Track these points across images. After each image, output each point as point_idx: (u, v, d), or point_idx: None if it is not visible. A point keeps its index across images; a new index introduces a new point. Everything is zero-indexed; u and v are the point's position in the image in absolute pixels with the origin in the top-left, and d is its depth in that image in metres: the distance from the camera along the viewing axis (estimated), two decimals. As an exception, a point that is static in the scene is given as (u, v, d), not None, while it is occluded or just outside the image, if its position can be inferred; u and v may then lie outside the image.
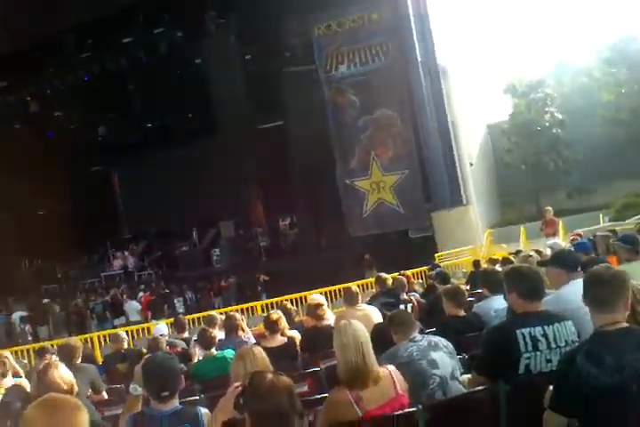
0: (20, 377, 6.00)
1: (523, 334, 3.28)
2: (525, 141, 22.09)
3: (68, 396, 2.38)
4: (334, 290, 12.39)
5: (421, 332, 4.53)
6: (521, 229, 16.47)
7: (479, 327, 4.96)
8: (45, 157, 27.86)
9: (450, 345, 3.92)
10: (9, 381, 5.27)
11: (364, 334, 3.44)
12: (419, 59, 17.97)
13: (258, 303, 13.60)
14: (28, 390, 5.24)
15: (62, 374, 4.03)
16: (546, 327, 3.32)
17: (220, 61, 21.73)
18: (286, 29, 20.60)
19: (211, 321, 7.75)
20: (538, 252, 7.45)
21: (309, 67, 20.45)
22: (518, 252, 9.18)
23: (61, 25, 21.98)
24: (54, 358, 6.98)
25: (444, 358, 3.79)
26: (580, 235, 9.62)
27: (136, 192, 30.45)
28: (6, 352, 7.04)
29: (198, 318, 11.97)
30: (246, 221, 24.71)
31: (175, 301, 17.49)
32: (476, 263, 9.59)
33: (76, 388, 4.10)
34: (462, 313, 5.21)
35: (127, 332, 10.34)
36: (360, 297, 6.61)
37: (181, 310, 17.15)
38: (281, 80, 21.23)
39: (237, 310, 11.53)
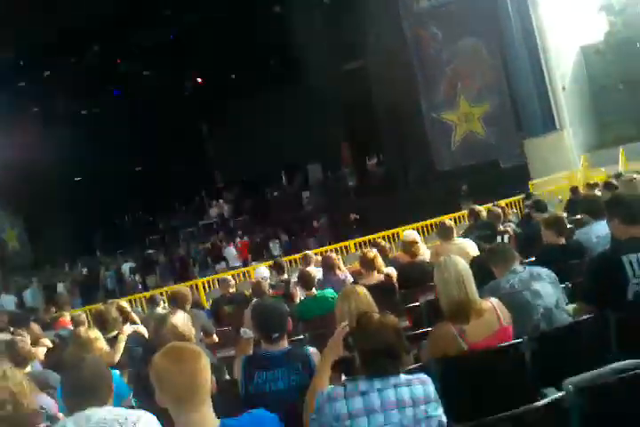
0: (138, 324, 6.38)
1: (630, 260, 3.19)
2: (623, 60, 20.71)
3: (190, 344, 2.53)
4: (427, 225, 12.33)
5: (521, 262, 4.45)
6: (619, 150, 15.61)
7: (581, 254, 4.83)
8: (138, 115, 28.89)
9: (552, 275, 3.84)
10: (129, 328, 5.61)
11: (465, 268, 3.42)
12: (505, -20, 16.98)
13: (351, 242, 13.69)
14: (146, 336, 5.59)
15: (180, 322, 4.25)
16: None
17: (299, 5, 21.44)
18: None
19: (306, 260, 7.99)
20: (641, 173, 7.07)
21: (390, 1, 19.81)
22: (619, 175, 8.71)
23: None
24: (166, 306, 7.41)
25: (546, 287, 3.72)
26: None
27: (225, 141, 31.05)
28: (122, 302, 7.53)
29: (295, 260, 12.27)
30: (333, 163, 24.75)
31: (271, 244, 17.95)
32: (574, 190, 9.20)
33: (193, 335, 4.31)
34: (563, 241, 5.06)
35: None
36: (455, 231, 6.54)
37: (277, 253, 17.63)
38: (362, 17, 20.70)
39: (332, 250, 11.73)
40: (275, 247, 17.83)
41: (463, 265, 3.45)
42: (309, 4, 21.28)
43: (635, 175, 5.98)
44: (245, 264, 16.56)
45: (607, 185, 7.15)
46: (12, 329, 7.21)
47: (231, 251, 17.61)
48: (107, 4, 22.65)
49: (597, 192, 7.44)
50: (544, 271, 3.83)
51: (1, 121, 25.81)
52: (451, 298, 3.34)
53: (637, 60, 20.28)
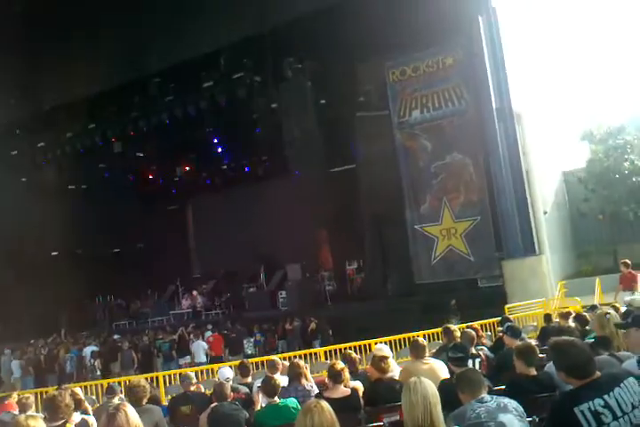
0: (89, 414, 6.11)
1: (582, 411, 3.12)
2: (603, 190, 21.42)
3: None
4: (400, 339, 12.17)
5: (490, 390, 4.38)
6: (596, 281, 15.81)
7: (551, 388, 4.76)
8: (124, 197, 29.14)
9: (520, 408, 3.76)
10: (78, 416, 5.37)
11: (435, 394, 3.38)
12: (493, 104, 17.76)
13: (321, 349, 13.45)
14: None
15: (130, 418, 4.07)
16: (606, 397, 3.15)
17: (295, 106, 22.23)
18: (361, 75, 20.94)
19: (273, 366, 7.77)
20: (615, 308, 7.11)
21: (382, 112, 20.64)
22: (594, 307, 8.78)
23: (146, 69, 23.20)
24: (122, 397, 7.13)
25: (513, 421, 3.64)
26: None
27: (208, 232, 31.19)
28: (77, 388, 7.24)
29: (262, 362, 11.95)
30: (313, 265, 24.76)
31: (245, 341, 17.54)
32: (548, 318, 9.23)
33: (142, 432, 4.14)
34: (534, 372, 5.01)
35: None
36: (427, 350, 6.49)
37: (251, 351, 17.19)
38: (354, 124, 21.50)
39: (301, 356, 11.47)
40: (249, 346, 17.40)
41: (432, 390, 3.40)
42: (306, 103, 22.05)
43: (609, 310, 6.02)
44: (217, 360, 16.12)
45: (578, 317, 7.20)
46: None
47: (201, 344, 17.14)
48: (109, 82, 23.51)
49: (571, 323, 7.46)
50: (512, 404, 3.75)
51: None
52: (415, 423, 3.26)
53: (616, 191, 21.00)
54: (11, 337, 24.31)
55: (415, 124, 19.96)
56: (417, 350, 6.33)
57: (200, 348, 16.96)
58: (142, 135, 25.41)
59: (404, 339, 11.90)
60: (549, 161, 20.80)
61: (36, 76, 24.75)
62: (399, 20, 17.75)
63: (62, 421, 5.10)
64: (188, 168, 30.87)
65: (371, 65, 20.45)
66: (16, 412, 6.75)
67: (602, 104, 24.65)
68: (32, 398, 6.70)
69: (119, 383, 9.14)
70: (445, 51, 19.46)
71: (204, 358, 16.65)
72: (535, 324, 11.88)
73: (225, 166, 29.55)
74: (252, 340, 17.65)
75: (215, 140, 28.41)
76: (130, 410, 4.18)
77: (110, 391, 7.65)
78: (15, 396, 7.46)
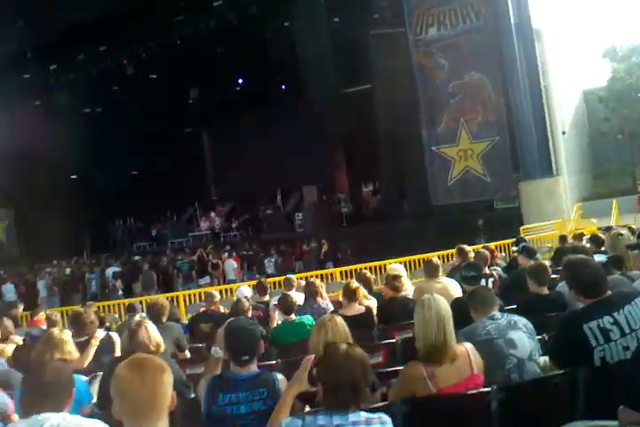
0: (112, 330, 6.33)
1: (590, 328, 3.18)
2: (624, 109, 20.91)
3: (155, 357, 2.50)
4: (415, 260, 12.31)
5: (501, 308, 4.45)
6: (613, 203, 15.73)
7: (562, 307, 4.83)
8: (139, 119, 28.96)
9: (530, 325, 3.83)
10: (102, 333, 5.57)
11: (447, 310, 3.42)
12: (512, 21, 17.18)
13: (337, 269, 13.68)
14: (118, 343, 5.56)
15: (151, 333, 4.22)
16: (615, 314, 3.20)
17: (308, 24, 21.57)
18: (375, -9, 20.20)
19: (288, 284, 7.99)
20: (630, 229, 7.11)
21: (398, 29, 20.00)
22: (609, 228, 8.78)
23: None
24: (143, 315, 7.37)
25: (522, 338, 3.71)
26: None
27: (224, 154, 31.14)
28: (94, 307, 7.48)
29: (279, 282, 12.21)
30: (329, 187, 24.81)
31: (266, 261, 17.90)
32: (563, 239, 9.25)
33: (162, 347, 4.30)
34: (545, 291, 5.08)
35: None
36: (440, 269, 6.57)
37: (271, 271, 17.56)
38: (369, 43, 20.86)
39: (317, 276, 11.69)
40: (269, 265, 17.78)
41: (445, 306, 3.44)
42: (320, 21, 21.37)
43: (622, 231, 6.01)
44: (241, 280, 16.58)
45: (593, 238, 7.21)
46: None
47: (232, 263, 17.53)
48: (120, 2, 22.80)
49: (585, 243, 7.48)
50: (522, 321, 3.82)
51: (2, 111, 25.99)
52: (428, 339, 3.32)
53: (637, 110, 20.51)
54: (35, 258, 25.06)
55: (432, 42, 19.39)
56: (430, 270, 6.41)
57: (230, 267, 17.35)
58: (153, 57, 24.90)
59: (419, 260, 12.04)
60: (569, 79, 20.24)
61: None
62: None
63: (87, 336, 5.34)
64: (201, 90, 30.47)
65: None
66: (44, 327, 7.02)
67: (624, 21, 23.67)
68: (59, 315, 6.96)
69: (140, 302, 9.44)
70: (462, -35, 18.58)
71: (233, 276, 17.07)
72: (550, 245, 11.93)
73: (239, 87, 29.08)
74: (272, 260, 17.99)
75: (228, 61, 27.78)
76: (150, 326, 4.33)
77: (131, 309, 7.93)
78: (43, 313, 7.74)
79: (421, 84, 19.74)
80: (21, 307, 9.06)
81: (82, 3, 23.07)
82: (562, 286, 5.20)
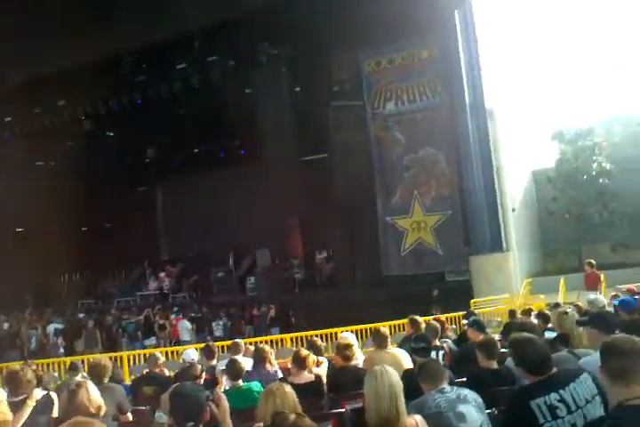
0: (49, 389, 6.07)
1: (538, 404, 3.20)
2: (571, 190, 21.72)
3: (96, 421, 2.44)
4: (365, 328, 12.26)
5: (451, 381, 4.47)
6: (561, 280, 16.11)
7: (511, 381, 4.87)
8: (93, 175, 28.76)
9: (479, 399, 3.86)
10: (39, 392, 5.34)
11: (399, 384, 3.41)
12: (467, 99, 17.90)
13: (287, 336, 13.51)
14: (56, 403, 5.32)
15: (92, 395, 4.09)
16: (562, 392, 3.24)
17: (269, 92, 22.09)
18: (336, 64, 20.88)
19: (236, 348, 7.86)
20: (577, 307, 7.28)
21: (357, 102, 20.64)
22: (557, 305, 8.97)
23: (119, 47, 22.77)
24: (84, 375, 7.10)
25: (472, 412, 3.73)
26: (632, 290, 9.31)
27: (177, 215, 30.94)
28: (34, 365, 7.18)
29: (227, 346, 11.95)
30: (283, 252, 24.78)
31: (214, 324, 17.60)
32: (512, 313, 9.38)
33: (103, 410, 4.16)
34: (495, 366, 5.12)
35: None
36: (389, 339, 6.56)
37: (218, 334, 17.25)
38: (328, 113, 21.43)
39: (267, 341, 11.51)
40: (218, 328, 17.46)
41: (396, 379, 3.44)
42: (280, 90, 21.90)
43: (568, 309, 6.17)
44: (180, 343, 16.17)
45: (540, 315, 7.35)
46: None
47: (186, 324, 17.15)
48: (80, 59, 23.00)
49: (533, 319, 7.61)
50: (472, 395, 3.84)
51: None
52: (380, 412, 3.29)
53: (584, 192, 21.32)
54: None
55: (389, 116, 20.05)
56: (380, 340, 6.41)
57: (184, 327, 16.97)
58: (113, 114, 25.02)
59: (370, 329, 12.00)
60: (520, 159, 21.02)
61: (5, 48, 24.22)
62: (376, 11, 17.74)
63: (23, 396, 5.09)
64: (158, 150, 30.59)
65: (346, 54, 20.38)
66: (-23, 385, 6.68)
67: (573, 105, 24.99)
68: (-7, 374, 6.66)
69: (82, 362, 9.10)
70: (421, 44, 19.54)
71: (187, 337, 16.67)
72: (499, 319, 12.09)
73: (197, 149, 29.31)
74: (220, 322, 17.71)
75: (187, 123, 28.10)
76: (91, 387, 4.19)
77: (73, 368, 7.65)
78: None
79: (377, 156, 20.26)
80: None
81: (42, 56, 23.30)
82: (510, 361, 5.26)
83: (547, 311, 7.58)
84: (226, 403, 5.05)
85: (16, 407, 4.73)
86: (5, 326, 19.59)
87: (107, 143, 30.11)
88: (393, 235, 19.81)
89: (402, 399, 3.35)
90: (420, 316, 8.13)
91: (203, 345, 8.89)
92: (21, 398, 5.05)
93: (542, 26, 24.80)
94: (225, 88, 22.98)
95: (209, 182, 28.53)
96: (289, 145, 21.76)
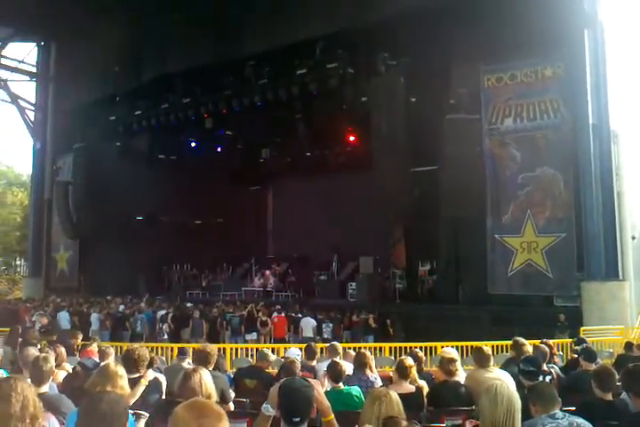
0: (161, 373, 6.37)
1: None
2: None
3: (215, 404, 2.53)
4: (467, 346, 12.03)
5: (560, 409, 4.32)
6: (680, 318, 15.12)
7: (625, 416, 4.65)
8: (210, 172, 29.97)
9: (593, 430, 3.72)
10: (152, 373, 5.62)
11: (517, 398, 3.33)
12: (590, 121, 17.19)
13: (387, 345, 13.47)
14: (164, 385, 5.59)
15: (205, 382, 4.25)
16: None
17: (385, 101, 22.08)
18: (455, 77, 20.49)
19: (333, 351, 7.92)
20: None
21: (473, 116, 20.22)
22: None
23: (243, 50, 23.60)
24: (189, 362, 7.41)
25: (583, 441, 3.60)
26: None
27: (286, 216, 31.67)
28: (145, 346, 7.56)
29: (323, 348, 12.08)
30: (386, 261, 24.71)
31: (324, 326, 17.70)
32: (629, 346, 8.90)
33: (213, 398, 4.31)
34: (609, 397, 4.90)
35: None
36: (492, 359, 6.38)
37: (327, 336, 17.31)
38: (442, 125, 21.16)
39: (366, 348, 11.52)
40: (327, 331, 17.57)
41: (515, 395, 3.34)
42: (397, 100, 21.84)
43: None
44: (279, 341, 16.47)
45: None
46: (39, 346, 7.35)
47: (311, 322, 17.39)
48: (206, 60, 24.04)
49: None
50: (586, 424, 3.71)
51: (86, 148, 27.42)
52: (496, 423, 3.19)
53: None
54: (92, 291, 25.70)
55: (506, 133, 19.56)
56: (482, 359, 6.18)
57: (310, 324, 17.27)
58: (233, 114, 25.88)
59: (471, 347, 11.77)
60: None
61: (140, 48, 25.72)
62: (503, 26, 17.46)
63: (138, 374, 5.39)
64: (273, 151, 31.39)
65: (466, 68, 19.97)
66: (96, 359, 7.12)
67: None
68: (112, 349, 7.07)
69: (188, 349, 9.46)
70: (546, 62, 18.92)
71: (311, 334, 16.93)
72: (611, 350, 11.49)
73: (309, 153, 29.84)
74: (330, 325, 17.80)
75: (302, 127, 28.69)
76: (206, 374, 4.36)
77: (182, 353, 7.97)
78: (95, 345, 7.87)
79: (490, 172, 19.80)
80: (80, 337, 9.25)
81: (173, 55, 24.57)
82: (626, 395, 5.02)
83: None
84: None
85: (131, 384, 4.98)
86: (121, 307, 20.71)
87: (225, 142, 31.34)
88: (501, 253, 19.27)
89: (519, 415, 3.27)
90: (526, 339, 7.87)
91: (304, 345, 9.03)
92: (137, 375, 5.35)
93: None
94: (341, 95, 23.27)
95: (319, 186, 29.02)
96: (400, 155, 21.63)
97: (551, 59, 18.80)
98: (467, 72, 20.08)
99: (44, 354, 5.24)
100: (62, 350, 7.15)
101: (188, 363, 7.43)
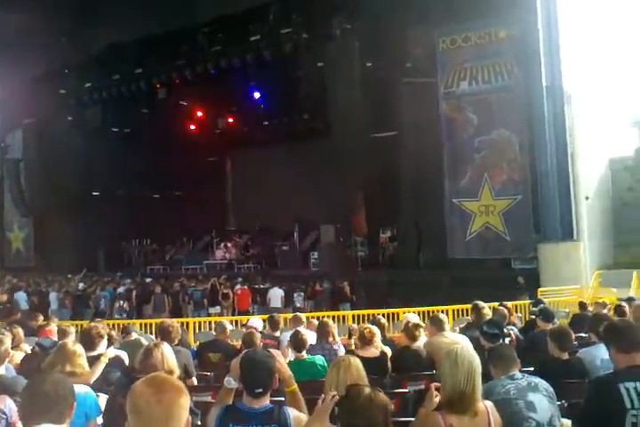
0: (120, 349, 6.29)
1: (627, 388, 3.13)
2: (651, 178, 20.82)
3: (175, 378, 2.48)
4: (429, 311, 12.19)
5: (520, 370, 4.39)
6: (634, 274, 15.53)
7: (581, 374, 4.76)
8: (165, 144, 29.42)
9: (550, 389, 3.77)
10: (112, 351, 5.54)
11: (477, 362, 3.29)
12: (544, 82, 17.31)
13: (349, 313, 13.58)
14: (126, 362, 5.52)
15: (167, 357, 4.19)
16: None
17: (341, 66, 21.87)
18: (410, 40, 20.35)
19: (297, 321, 7.96)
20: (652, 302, 7.01)
21: (429, 79, 20.19)
22: (631, 299, 8.68)
23: (196, 18, 23.03)
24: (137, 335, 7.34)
25: (543, 401, 3.65)
26: None
27: (245, 187, 31.42)
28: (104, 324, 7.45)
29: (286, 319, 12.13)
30: (347, 229, 24.77)
31: (295, 294, 17.71)
32: (583, 305, 9.13)
33: (175, 374, 4.25)
34: (566, 356, 5.01)
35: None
36: (447, 324, 6.42)
37: (299, 305, 17.38)
38: (399, 90, 21.09)
39: (329, 317, 11.59)
40: (298, 299, 17.63)
41: (476, 358, 3.32)
42: (352, 64, 21.66)
43: (645, 302, 5.96)
44: (243, 313, 16.48)
45: (618, 308, 7.13)
46: (-5, 327, 7.18)
47: (279, 292, 17.38)
48: (157, 28, 23.41)
49: (607, 312, 7.40)
50: (543, 384, 3.76)
51: (35, 124, 26.58)
52: (456, 387, 3.17)
53: (663, 182, 20.39)
54: (50, 270, 25.22)
55: (462, 96, 19.53)
56: (438, 324, 6.22)
57: (278, 295, 17.26)
58: (187, 84, 25.39)
59: (431, 311, 11.93)
60: (597, 146, 20.24)
61: (88, 18, 24.84)
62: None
63: (97, 352, 5.31)
64: (230, 120, 30.93)
65: (421, 31, 19.81)
66: (55, 339, 6.99)
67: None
68: (72, 328, 6.94)
69: (151, 325, 9.40)
70: (499, 23, 18.88)
71: (279, 304, 16.92)
72: (567, 310, 11.79)
73: (267, 122, 29.51)
74: (301, 294, 17.84)
75: (258, 95, 28.25)
76: (167, 349, 4.29)
77: (127, 331, 7.80)
78: (54, 324, 7.72)
79: (447, 136, 19.83)
80: (40, 318, 9.06)
81: (123, 25, 23.80)
82: (583, 353, 5.14)
83: (623, 305, 7.32)
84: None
85: (90, 362, 4.90)
86: (80, 285, 20.39)
87: (180, 112, 30.70)
88: (460, 217, 19.46)
89: (479, 378, 3.25)
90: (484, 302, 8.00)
91: (267, 316, 9.04)
92: (96, 353, 5.27)
93: (627, 8, 23.51)
94: (297, 61, 22.94)
95: (277, 156, 28.78)
96: (358, 121, 21.53)
97: (505, 20, 18.77)
98: (422, 35, 19.95)
99: (-2, 335, 5.10)
100: (20, 330, 7.00)
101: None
